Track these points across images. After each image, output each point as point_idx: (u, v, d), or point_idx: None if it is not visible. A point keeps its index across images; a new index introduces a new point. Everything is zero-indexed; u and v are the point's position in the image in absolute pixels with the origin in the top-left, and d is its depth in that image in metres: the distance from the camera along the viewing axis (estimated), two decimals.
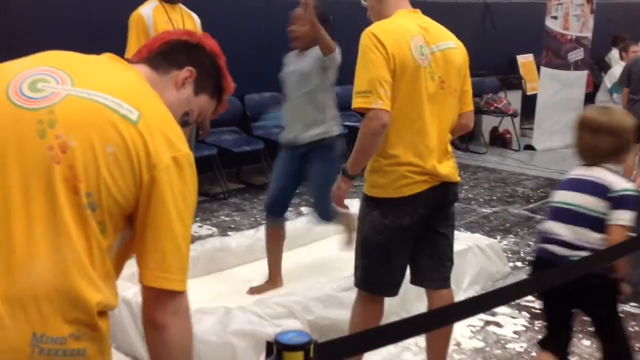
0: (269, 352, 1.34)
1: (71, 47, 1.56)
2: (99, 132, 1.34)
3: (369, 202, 2.70)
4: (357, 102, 2.51)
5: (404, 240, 2.68)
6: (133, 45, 4.40)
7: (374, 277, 2.73)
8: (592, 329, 3.59)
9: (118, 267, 1.46)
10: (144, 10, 4.47)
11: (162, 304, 1.39)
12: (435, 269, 2.80)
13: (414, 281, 2.86)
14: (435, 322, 1.78)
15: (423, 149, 2.60)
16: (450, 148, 2.76)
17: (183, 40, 1.59)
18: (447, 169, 2.69)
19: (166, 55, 1.56)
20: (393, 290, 2.78)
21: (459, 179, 2.79)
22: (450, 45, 2.72)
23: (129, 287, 3.32)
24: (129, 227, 1.41)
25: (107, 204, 1.34)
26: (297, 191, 6.21)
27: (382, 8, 2.69)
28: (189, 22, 4.66)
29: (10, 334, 1.26)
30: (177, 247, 1.38)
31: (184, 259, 1.40)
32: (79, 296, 1.30)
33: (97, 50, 1.59)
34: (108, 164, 1.33)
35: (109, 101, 1.37)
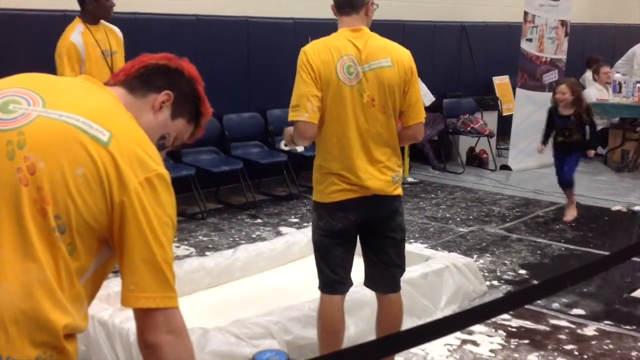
0: None
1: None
2: (69, 154, 1.33)
3: (313, 206, 2.99)
4: (290, 116, 2.82)
5: (336, 241, 2.90)
6: (69, 76, 4.15)
7: (320, 275, 2.97)
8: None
9: (94, 289, 1.44)
10: (74, 38, 4.34)
11: (152, 323, 1.37)
12: (381, 274, 3.00)
13: (366, 284, 3.07)
14: (410, 341, 1.80)
15: (350, 163, 2.81)
16: (392, 162, 2.87)
17: (162, 65, 1.59)
18: (379, 182, 2.84)
19: (144, 78, 1.56)
20: (338, 288, 2.96)
21: (395, 192, 2.91)
22: (384, 64, 2.81)
23: (105, 309, 3.30)
24: (106, 249, 1.40)
25: (77, 226, 1.33)
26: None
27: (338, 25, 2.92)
28: (113, 37, 4.53)
29: None
30: (155, 268, 1.36)
31: (166, 277, 1.38)
32: (45, 319, 1.29)
33: None
34: (78, 186, 1.33)
35: (79, 122, 1.36)
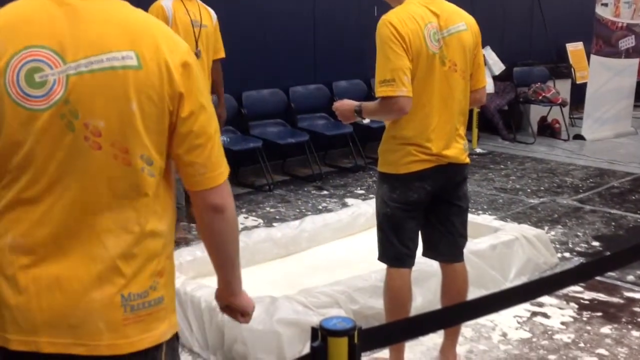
0: (314, 338, 1.37)
1: None
2: (116, 98, 1.35)
3: (380, 178, 2.88)
4: (382, 91, 2.62)
5: (411, 214, 2.83)
6: None
7: (389, 249, 2.90)
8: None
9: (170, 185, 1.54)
10: (165, 3, 4.52)
11: (219, 191, 1.49)
12: (447, 244, 2.95)
13: (425, 254, 3.02)
14: (478, 310, 1.78)
15: (430, 133, 2.74)
16: (462, 130, 2.86)
17: None
18: (454, 151, 2.81)
19: None
20: (407, 261, 2.91)
21: (467, 160, 2.89)
22: (461, 28, 2.78)
23: (176, 277, 3.39)
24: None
25: (156, 151, 1.41)
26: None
27: None
28: (206, 15, 4.70)
29: (102, 303, 1.38)
30: (217, 143, 1.48)
31: (222, 149, 1.51)
32: (152, 252, 1.43)
33: None
34: (139, 119, 1.38)
35: (106, 62, 1.35)
